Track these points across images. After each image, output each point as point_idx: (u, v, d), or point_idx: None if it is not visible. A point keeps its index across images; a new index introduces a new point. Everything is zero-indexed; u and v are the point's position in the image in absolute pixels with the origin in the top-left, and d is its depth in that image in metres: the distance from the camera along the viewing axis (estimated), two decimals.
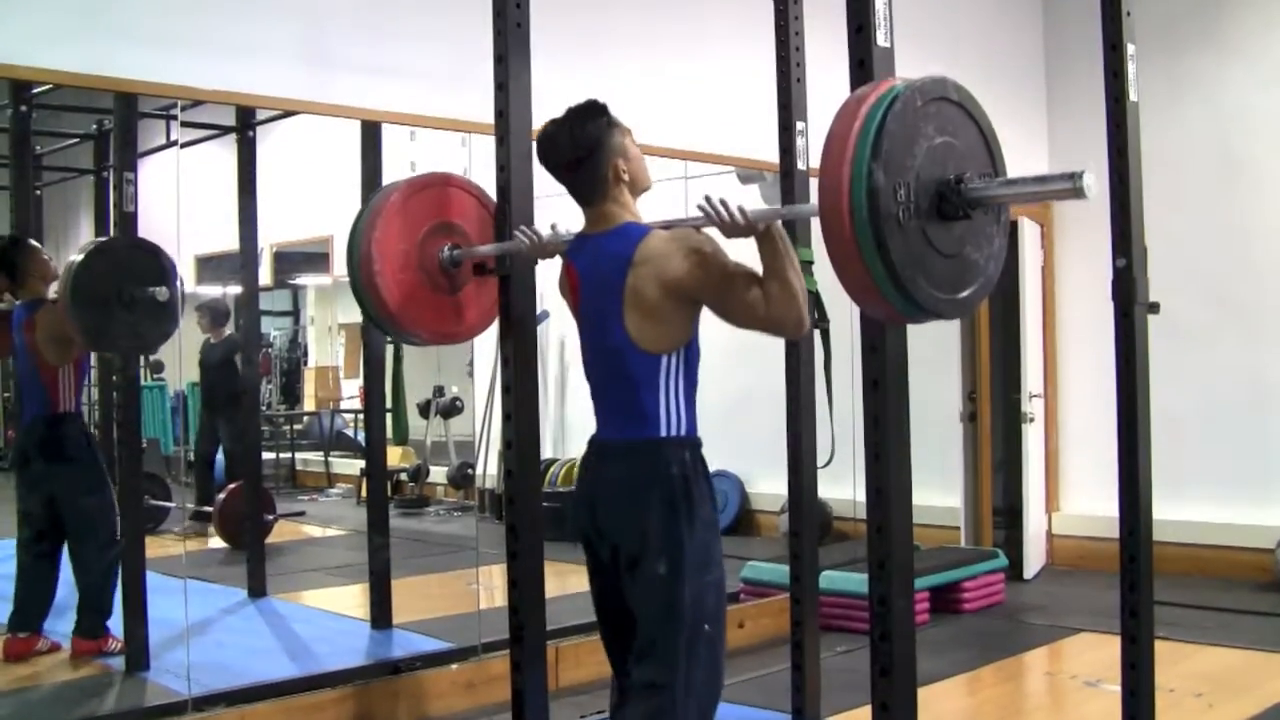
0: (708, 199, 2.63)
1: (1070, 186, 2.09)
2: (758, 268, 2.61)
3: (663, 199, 6.74)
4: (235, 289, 7.62)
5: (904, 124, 2.13)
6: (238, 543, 6.82)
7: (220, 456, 7.91)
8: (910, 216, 2.13)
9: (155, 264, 4.58)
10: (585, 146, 2.76)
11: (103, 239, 5.31)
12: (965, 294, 2.28)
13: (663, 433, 2.71)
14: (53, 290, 4.91)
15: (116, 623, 4.79)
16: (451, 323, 3.60)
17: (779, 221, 2.62)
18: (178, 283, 4.71)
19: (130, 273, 4.50)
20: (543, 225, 3.16)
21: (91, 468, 4.93)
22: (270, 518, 6.92)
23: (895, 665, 2.50)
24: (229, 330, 7.42)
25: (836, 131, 2.16)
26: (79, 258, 4.49)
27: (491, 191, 3.41)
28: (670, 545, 2.67)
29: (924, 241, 2.16)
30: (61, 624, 4.95)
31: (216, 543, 7.08)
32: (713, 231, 2.67)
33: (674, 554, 2.67)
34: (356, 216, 3.54)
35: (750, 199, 7.07)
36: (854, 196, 2.09)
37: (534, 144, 2.89)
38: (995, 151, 2.33)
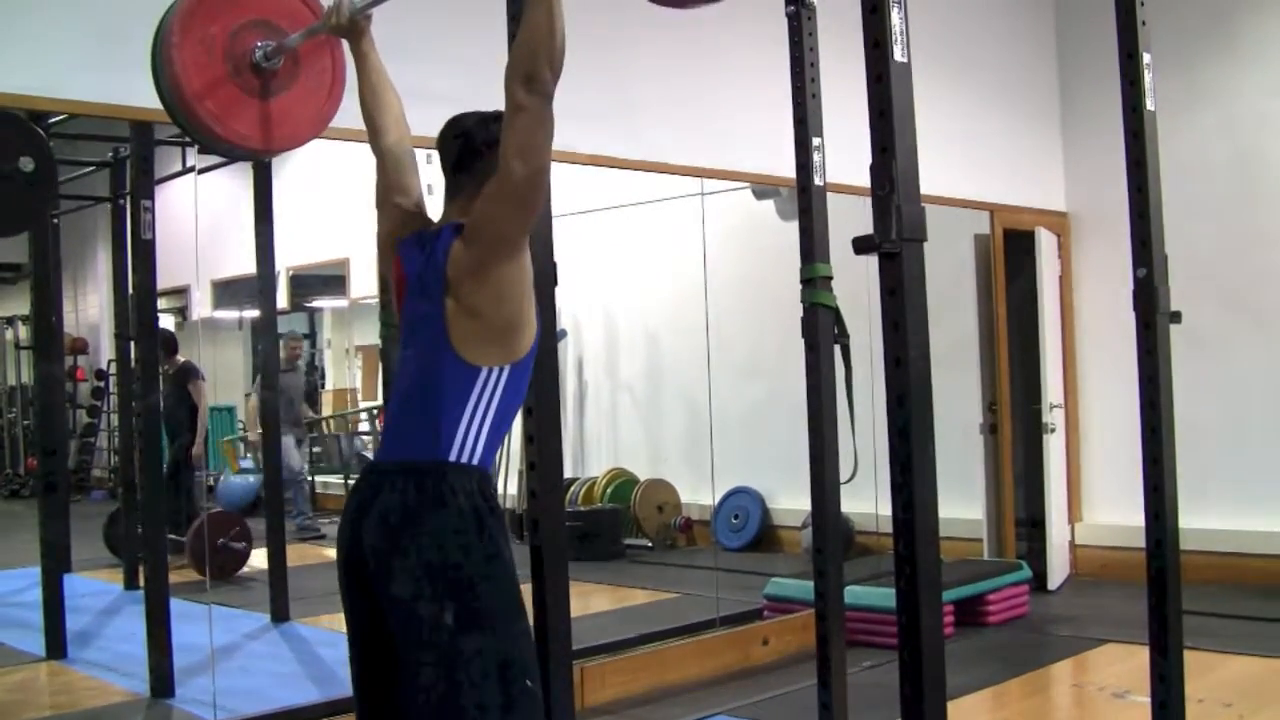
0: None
1: None
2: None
3: (680, 215, 6.79)
4: (252, 312, 7.65)
5: None
6: (213, 573, 6.69)
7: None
8: None
9: None
10: (489, 144, 2.54)
11: None
12: None
13: (451, 456, 2.31)
14: None
15: (140, 648, 4.78)
16: (252, 125, 3.12)
17: None
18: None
19: None
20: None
21: None
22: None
23: (925, 684, 2.48)
24: (180, 357, 7.52)
25: None
26: None
27: None
28: (461, 588, 2.22)
29: None
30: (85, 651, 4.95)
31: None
32: None
33: (466, 599, 2.22)
34: None
35: (766, 214, 7.09)
36: None
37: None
38: None
